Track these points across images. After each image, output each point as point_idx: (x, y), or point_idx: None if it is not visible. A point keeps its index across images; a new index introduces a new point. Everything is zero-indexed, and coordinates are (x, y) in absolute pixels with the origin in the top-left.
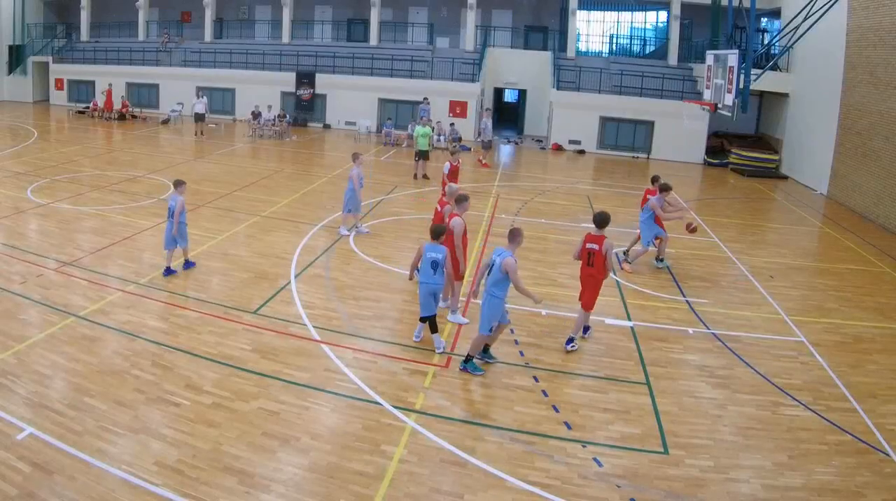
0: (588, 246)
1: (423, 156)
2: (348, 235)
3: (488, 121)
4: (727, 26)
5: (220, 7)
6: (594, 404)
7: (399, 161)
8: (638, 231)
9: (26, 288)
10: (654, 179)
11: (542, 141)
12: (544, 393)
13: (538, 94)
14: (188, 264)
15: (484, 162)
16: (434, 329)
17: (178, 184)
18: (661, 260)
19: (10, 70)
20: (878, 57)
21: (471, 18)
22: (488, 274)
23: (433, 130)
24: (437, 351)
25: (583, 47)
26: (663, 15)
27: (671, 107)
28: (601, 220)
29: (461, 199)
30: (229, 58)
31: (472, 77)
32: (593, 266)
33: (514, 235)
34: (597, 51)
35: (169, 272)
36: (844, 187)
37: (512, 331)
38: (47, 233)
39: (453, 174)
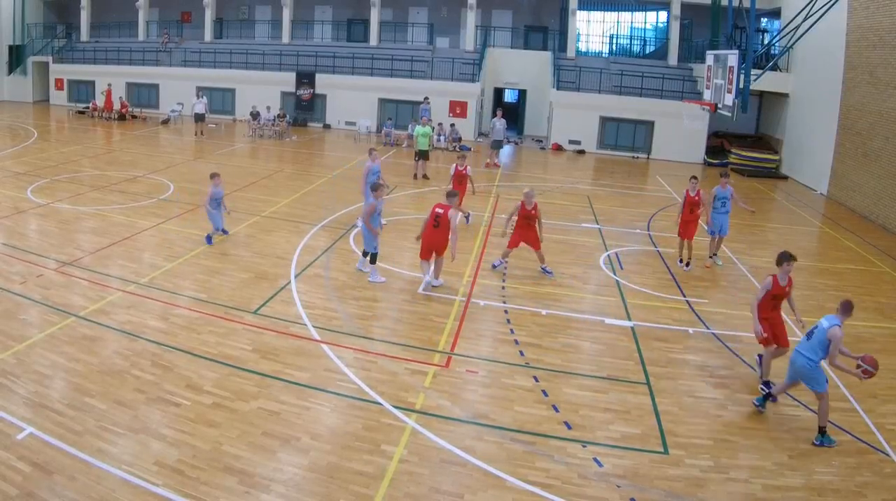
0: None
1: (423, 156)
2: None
3: (498, 122)
4: (727, 26)
5: (220, 7)
6: (594, 404)
7: (399, 161)
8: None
9: (26, 288)
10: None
11: (542, 141)
12: (544, 392)
13: (538, 94)
14: (209, 239)
15: (494, 162)
16: (373, 261)
17: (213, 176)
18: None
19: (10, 70)
20: (878, 57)
21: (471, 18)
22: (808, 337)
23: (433, 130)
24: (369, 279)
25: (583, 47)
26: (663, 15)
27: (671, 107)
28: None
29: (451, 194)
30: (229, 58)
31: (472, 77)
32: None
33: (847, 308)
34: (597, 51)
35: (210, 239)
36: (844, 187)
37: (512, 331)
38: (47, 233)
39: (461, 177)
